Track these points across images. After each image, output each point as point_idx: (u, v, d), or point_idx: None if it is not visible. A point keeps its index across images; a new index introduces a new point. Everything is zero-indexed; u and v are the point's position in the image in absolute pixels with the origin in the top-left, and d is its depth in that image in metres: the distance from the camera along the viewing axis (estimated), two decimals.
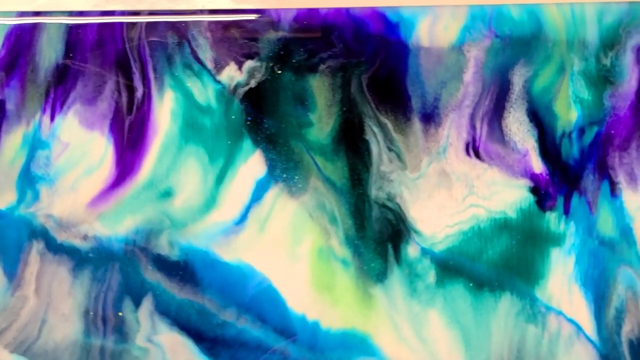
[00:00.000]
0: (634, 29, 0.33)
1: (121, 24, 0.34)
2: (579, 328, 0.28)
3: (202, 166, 0.31)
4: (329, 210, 0.31)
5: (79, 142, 0.32)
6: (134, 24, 0.34)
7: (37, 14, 0.33)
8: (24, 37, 0.34)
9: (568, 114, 0.32)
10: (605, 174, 0.31)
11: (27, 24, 0.34)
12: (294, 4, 0.35)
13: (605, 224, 0.30)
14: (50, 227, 0.31)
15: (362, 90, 0.33)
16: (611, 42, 0.33)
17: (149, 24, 0.34)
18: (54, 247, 0.30)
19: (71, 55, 0.33)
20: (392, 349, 0.29)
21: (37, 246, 0.30)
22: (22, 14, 0.33)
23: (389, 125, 0.32)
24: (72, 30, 0.34)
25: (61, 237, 0.30)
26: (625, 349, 0.28)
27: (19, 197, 0.31)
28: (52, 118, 0.32)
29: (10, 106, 0.33)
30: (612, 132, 0.31)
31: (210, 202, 0.31)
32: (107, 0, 0.36)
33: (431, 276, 0.29)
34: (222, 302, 0.29)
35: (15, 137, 0.32)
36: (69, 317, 0.29)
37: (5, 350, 0.29)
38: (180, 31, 0.34)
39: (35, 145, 0.31)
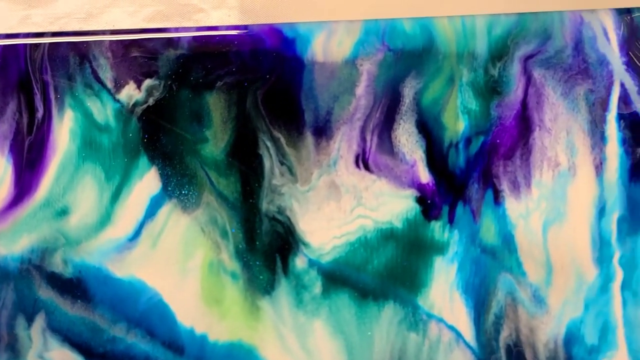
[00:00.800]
0: (521, 40, 0.34)
1: (25, 45, 0.35)
2: (458, 334, 0.29)
3: (98, 184, 0.32)
4: (221, 224, 0.31)
5: None
6: (37, 45, 0.35)
7: None
8: None
9: (456, 124, 0.33)
10: (489, 182, 0.31)
11: None
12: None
13: (488, 232, 0.30)
14: None
15: (257, 105, 0.33)
16: (499, 53, 0.34)
17: (51, 45, 0.35)
18: None
19: None
20: None
21: None
22: None
23: (282, 140, 0.33)
24: None
25: None
26: (502, 354, 0.29)
27: None
28: None
29: None
30: (498, 141, 0.32)
31: (105, 220, 0.31)
32: (22, 23, 0.37)
33: (317, 287, 0.30)
34: (113, 317, 0.30)
35: None
36: None
37: None
38: (82, 52, 0.34)
39: None
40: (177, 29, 0.35)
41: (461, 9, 0.35)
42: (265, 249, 0.31)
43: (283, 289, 0.30)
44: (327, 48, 0.34)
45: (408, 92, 0.33)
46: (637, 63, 0.33)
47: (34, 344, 0.30)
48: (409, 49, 0.34)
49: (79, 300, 0.30)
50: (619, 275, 0.30)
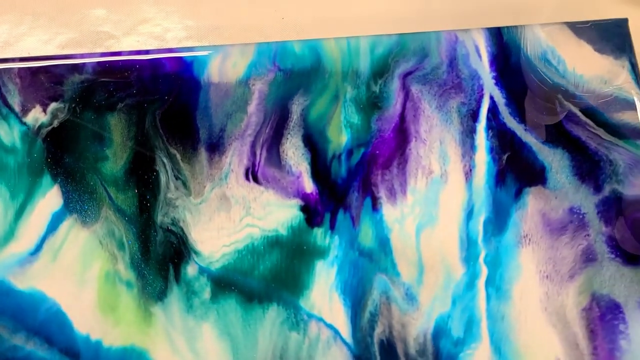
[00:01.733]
0: (401, 59, 0.37)
1: None
2: (336, 332, 0.31)
3: (3, 202, 0.34)
4: (118, 236, 0.33)
5: None
6: None
7: None
8: None
9: (339, 137, 0.35)
10: (368, 190, 0.34)
11: None
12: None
13: (366, 236, 0.33)
14: None
15: (155, 125, 0.36)
16: (381, 70, 0.36)
17: None
18: None
19: None
20: None
21: None
22: None
23: (178, 156, 0.35)
24: None
25: None
26: (376, 349, 0.31)
27: None
28: None
29: None
30: (377, 152, 0.35)
31: (8, 236, 0.33)
32: None
33: (207, 292, 0.32)
34: (14, 327, 0.32)
35: None
36: None
37: None
38: None
39: None
40: (82, 55, 0.38)
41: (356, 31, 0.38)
42: (159, 258, 0.33)
43: (174, 296, 0.32)
44: (222, 70, 0.37)
45: (296, 108, 0.36)
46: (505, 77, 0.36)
47: None
48: (298, 68, 0.37)
49: None
50: (484, 272, 0.32)
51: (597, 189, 0.33)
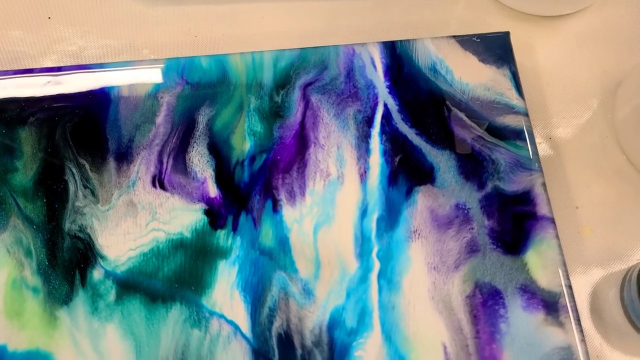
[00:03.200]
0: (302, 71, 0.39)
1: None
2: (236, 327, 0.33)
3: None
4: (25, 244, 0.34)
5: None
6: None
7: None
8: None
9: (242, 145, 0.37)
10: (269, 193, 0.36)
11: None
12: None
13: (267, 236, 0.35)
14: None
15: (65, 137, 0.37)
16: (283, 82, 0.39)
17: None
18: None
19: None
20: None
21: None
22: None
23: (87, 166, 0.36)
24: None
25: None
26: (274, 342, 0.33)
27: None
28: None
29: None
30: (278, 157, 0.37)
31: None
32: None
33: (112, 295, 0.33)
34: None
35: None
36: None
37: None
38: None
39: None
40: None
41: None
42: (66, 264, 0.34)
43: (80, 299, 0.33)
44: (132, 84, 0.38)
45: (202, 119, 0.38)
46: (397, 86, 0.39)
47: None
48: (205, 82, 0.39)
49: None
50: (376, 266, 0.34)
51: (481, 186, 0.36)
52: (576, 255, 0.37)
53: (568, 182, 0.39)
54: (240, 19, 0.44)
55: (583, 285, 0.36)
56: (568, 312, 0.33)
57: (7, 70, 0.40)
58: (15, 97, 0.38)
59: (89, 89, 0.38)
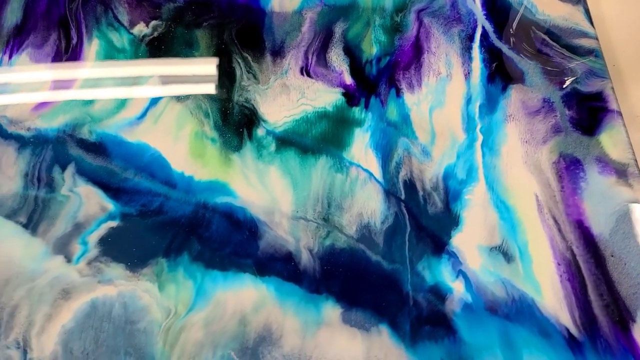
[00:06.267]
0: (416, 0, 0.50)
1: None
2: (370, 174, 0.42)
3: (116, 84, 0.45)
4: (204, 109, 0.45)
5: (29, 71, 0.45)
6: None
7: None
8: None
9: (370, 49, 0.47)
10: (393, 84, 0.46)
11: None
12: None
13: (392, 113, 0.45)
14: (3, 123, 0.44)
15: (232, 38, 0.48)
16: (401, 7, 0.49)
17: None
18: (5, 135, 0.43)
19: (27, 18, 0.48)
20: (243, 192, 0.42)
21: None
22: None
23: (249, 58, 0.47)
24: (28, 2, 0.49)
25: (10, 129, 0.43)
26: (401, 185, 0.42)
27: None
28: (10, 57, 0.46)
29: None
30: (399, 59, 0.47)
31: (120, 106, 0.44)
32: None
33: (272, 146, 0.43)
34: (125, 165, 0.42)
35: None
36: (13, 178, 0.42)
37: None
38: (106, 2, 0.49)
39: None
40: None
41: None
42: (236, 124, 0.44)
43: (248, 148, 0.43)
44: (282, 3, 0.49)
45: (338, 30, 0.48)
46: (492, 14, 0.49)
47: (65, 182, 0.42)
48: (339, 4, 0.49)
49: (100, 156, 0.43)
50: (479, 138, 0.44)
51: (561, 87, 0.46)
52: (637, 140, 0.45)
53: (628, 90, 0.48)
54: None
55: None
56: (635, 176, 0.41)
57: None
58: (191, 7, 0.49)
59: (248, 5, 0.49)
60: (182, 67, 0.45)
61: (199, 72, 0.45)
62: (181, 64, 0.45)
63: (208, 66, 0.45)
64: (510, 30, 0.47)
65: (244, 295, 0.37)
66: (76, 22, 0.47)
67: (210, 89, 0.44)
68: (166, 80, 0.44)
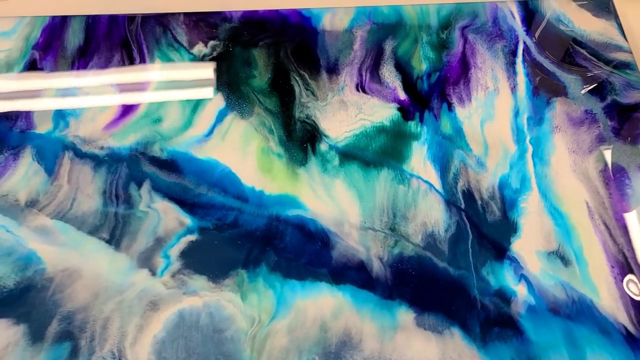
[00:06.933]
0: (459, 17, 0.52)
1: (124, 20, 0.51)
2: (430, 185, 0.45)
3: (181, 102, 0.47)
4: (268, 125, 0.47)
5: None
6: (132, 19, 0.51)
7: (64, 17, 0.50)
8: (55, 29, 0.50)
9: (420, 65, 0.50)
10: (444, 98, 0.49)
11: (58, 20, 0.51)
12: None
13: (445, 126, 0.47)
14: (77, 143, 0.46)
15: (287, 56, 0.50)
16: (446, 24, 0.52)
17: (143, 19, 0.51)
18: (80, 155, 0.45)
19: (89, 40, 0.50)
20: (312, 204, 0.44)
21: (68, 154, 0.45)
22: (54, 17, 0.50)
23: (306, 75, 0.49)
24: (89, 25, 0.51)
25: (85, 149, 0.45)
26: (460, 195, 0.45)
27: (54, 126, 0.46)
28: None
29: (46, 72, 0.49)
30: (448, 75, 0.50)
31: (187, 124, 0.47)
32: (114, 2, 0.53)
33: (336, 160, 0.46)
34: (197, 181, 0.44)
35: (51, 90, 0.47)
36: (92, 195, 0.44)
37: (47, 217, 0.43)
38: (164, 24, 0.51)
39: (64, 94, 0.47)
40: (230, 12, 0.52)
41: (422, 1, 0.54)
42: (299, 139, 0.47)
43: (313, 162, 0.46)
44: (332, 22, 0.52)
45: (388, 47, 0.51)
46: (532, 32, 0.52)
47: (143, 199, 0.44)
48: (387, 23, 0.52)
49: (173, 172, 0.45)
50: (530, 149, 0.47)
51: (602, 99, 0.49)
52: None
53: None
54: None
55: None
56: None
57: (237, 10, 0.53)
58: (246, 28, 0.51)
59: (300, 24, 0.51)
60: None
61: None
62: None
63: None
64: (549, 44, 0.50)
65: (322, 303, 0.39)
66: (137, 43, 0.49)
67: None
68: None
